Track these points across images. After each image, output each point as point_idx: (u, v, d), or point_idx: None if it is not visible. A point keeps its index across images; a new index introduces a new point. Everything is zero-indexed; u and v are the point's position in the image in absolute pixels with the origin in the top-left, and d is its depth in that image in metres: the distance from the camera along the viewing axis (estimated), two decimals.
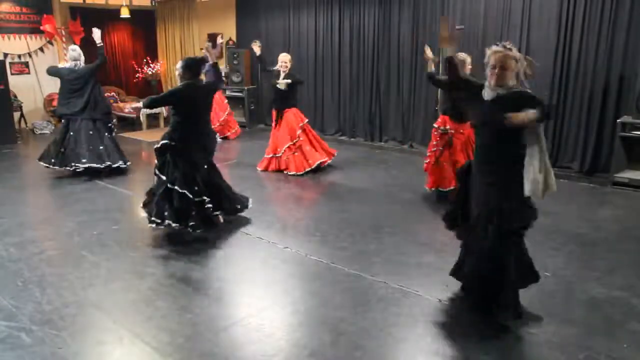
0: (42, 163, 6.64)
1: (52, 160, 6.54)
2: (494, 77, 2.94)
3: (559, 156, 6.61)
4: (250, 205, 5.05)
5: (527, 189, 2.92)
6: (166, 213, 4.41)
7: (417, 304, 3.39)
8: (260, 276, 3.88)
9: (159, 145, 4.51)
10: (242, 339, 3.05)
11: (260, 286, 3.71)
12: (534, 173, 2.90)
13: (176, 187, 4.41)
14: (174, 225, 4.41)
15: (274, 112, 6.91)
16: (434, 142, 5.42)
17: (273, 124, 6.92)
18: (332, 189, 6.20)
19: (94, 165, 6.53)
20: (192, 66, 4.53)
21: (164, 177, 4.46)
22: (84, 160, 6.48)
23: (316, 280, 3.76)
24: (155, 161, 4.57)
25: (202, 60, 4.73)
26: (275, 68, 6.76)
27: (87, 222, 4.96)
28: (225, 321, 3.23)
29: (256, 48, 6.80)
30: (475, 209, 3.14)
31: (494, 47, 2.98)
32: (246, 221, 4.98)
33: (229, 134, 9.36)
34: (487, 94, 3.01)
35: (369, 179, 6.62)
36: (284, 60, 6.67)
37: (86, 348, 2.95)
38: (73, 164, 6.49)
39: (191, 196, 4.44)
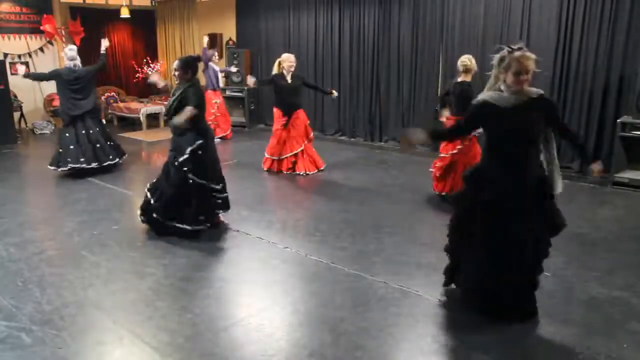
0: (71, 165, 6.50)
1: (82, 159, 6.54)
2: (521, 84, 2.84)
3: (559, 156, 6.55)
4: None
5: (559, 186, 2.99)
6: (202, 217, 4.52)
7: (417, 304, 3.39)
8: (260, 276, 3.88)
9: (194, 147, 4.37)
10: (242, 339, 3.05)
11: (260, 286, 3.71)
12: (558, 171, 3.03)
13: (213, 186, 4.56)
14: (205, 227, 4.58)
15: (280, 113, 6.71)
16: (459, 147, 5.21)
17: (278, 125, 6.74)
18: (332, 189, 6.20)
19: (116, 160, 6.92)
20: (193, 64, 4.53)
21: (203, 181, 4.47)
22: (111, 157, 6.81)
23: (316, 280, 3.76)
24: (184, 167, 4.38)
25: (199, 59, 4.75)
26: (274, 72, 6.66)
27: (87, 222, 4.96)
28: (225, 321, 3.23)
29: (250, 81, 6.70)
30: (490, 214, 3.03)
31: (517, 53, 2.84)
32: (246, 221, 4.98)
33: (224, 134, 9.30)
34: (507, 101, 2.90)
35: (369, 179, 6.62)
36: (291, 60, 6.59)
37: (86, 348, 2.94)
38: (107, 161, 6.74)
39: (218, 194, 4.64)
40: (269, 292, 3.60)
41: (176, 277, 3.81)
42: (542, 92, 2.96)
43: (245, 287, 3.74)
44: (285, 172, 6.75)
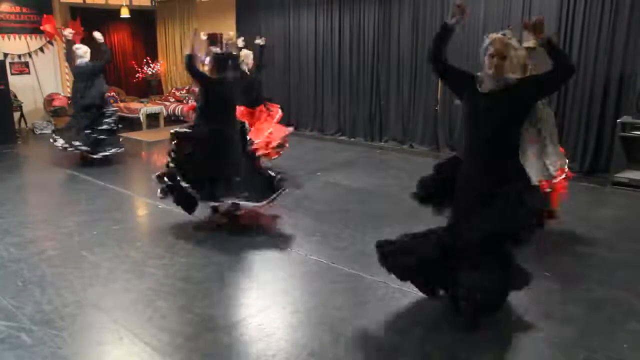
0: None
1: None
2: (494, 68, 2.80)
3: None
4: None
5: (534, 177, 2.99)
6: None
7: (417, 304, 3.38)
8: (260, 276, 3.88)
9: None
10: (242, 339, 3.05)
11: (260, 286, 3.71)
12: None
13: None
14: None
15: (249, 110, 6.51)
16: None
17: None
18: (332, 189, 6.20)
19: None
20: (221, 62, 4.62)
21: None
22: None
23: (316, 280, 3.76)
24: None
25: (228, 58, 4.81)
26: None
27: (87, 222, 4.96)
28: (225, 321, 3.23)
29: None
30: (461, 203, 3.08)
31: (493, 35, 2.86)
32: (246, 221, 4.98)
33: None
34: (486, 86, 2.88)
35: (369, 179, 6.62)
36: (251, 59, 6.47)
37: (86, 348, 2.95)
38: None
39: None
40: (269, 292, 3.60)
41: (176, 277, 3.81)
42: (519, 76, 2.86)
43: (245, 287, 3.74)
44: None
